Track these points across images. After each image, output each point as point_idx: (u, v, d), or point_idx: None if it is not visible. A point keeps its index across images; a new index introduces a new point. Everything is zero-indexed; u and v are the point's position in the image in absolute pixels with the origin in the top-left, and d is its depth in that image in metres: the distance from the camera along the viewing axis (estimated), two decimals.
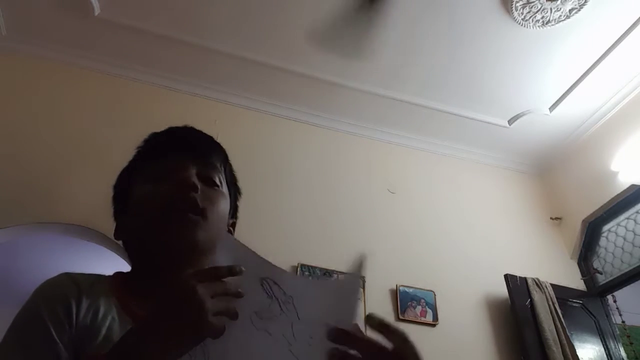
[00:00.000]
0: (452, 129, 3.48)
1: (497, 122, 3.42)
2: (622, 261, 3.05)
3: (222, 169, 0.83)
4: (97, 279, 0.71)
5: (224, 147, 0.88)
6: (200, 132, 0.85)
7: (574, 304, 3.01)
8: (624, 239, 3.08)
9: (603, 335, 2.92)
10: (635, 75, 3.04)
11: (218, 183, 0.80)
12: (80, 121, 2.81)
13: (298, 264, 2.71)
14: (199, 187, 0.73)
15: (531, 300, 2.83)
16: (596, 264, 3.22)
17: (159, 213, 0.71)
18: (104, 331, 0.62)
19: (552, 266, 3.23)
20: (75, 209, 2.46)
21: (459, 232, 3.21)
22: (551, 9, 2.65)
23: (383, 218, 3.10)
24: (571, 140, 3.52)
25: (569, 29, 2.78)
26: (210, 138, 0.85)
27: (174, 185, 0.72)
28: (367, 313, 2.80)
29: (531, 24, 2.74)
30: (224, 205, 0.79)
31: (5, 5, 2.72)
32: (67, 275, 0.69)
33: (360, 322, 2.57)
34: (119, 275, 0.75)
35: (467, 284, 2.97)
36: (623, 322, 3.06)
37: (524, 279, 2.93)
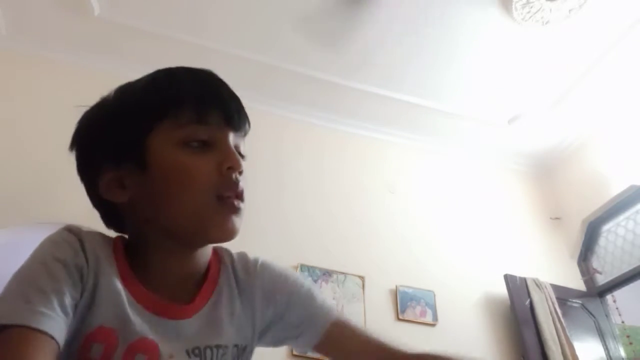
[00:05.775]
0: (451, 129, 3.48)
1: (497, 122, 3.42)
2: (621, 261, 3.05)
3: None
4: (100, 241, 0.64)
5: None
6: (227, 86, 0.68)
7: (574, 304, 3.01)
8: (624, 239, 3.09)
9: (603, 335, 2.92)
10: (634, 75, 3.03)
11: (244, 153, 0.69)
12: None
13: (298, 264, 2.71)
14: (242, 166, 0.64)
15: (531, 301, 2.83)
16: (596, 264, 3.22)
17: (206, 197, 0.61)
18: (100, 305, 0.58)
19: (551, 266, 3.23)
20: (75, 209, 2.45)
21: (458, 232, 3.21)
22: (551, 9, 2.65)
23: (383, 218, 3.10)
24: (571, 140, 3.52)
25: (569, 29, 2.78)
26: (236, 95, 0.69)
27: (221, 162, 0.62)
28: (366, 313, 2.78)
29: (531, 24, 2.74)
30: None
31: (5, 5, 2.72)
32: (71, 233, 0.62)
33: (362, 322, 2.55)
34: (120, 244, 0.66)
35: (467, 284, 2.97)
36: (623, 322, 3.06)
37: (524, 279, 2.93)
